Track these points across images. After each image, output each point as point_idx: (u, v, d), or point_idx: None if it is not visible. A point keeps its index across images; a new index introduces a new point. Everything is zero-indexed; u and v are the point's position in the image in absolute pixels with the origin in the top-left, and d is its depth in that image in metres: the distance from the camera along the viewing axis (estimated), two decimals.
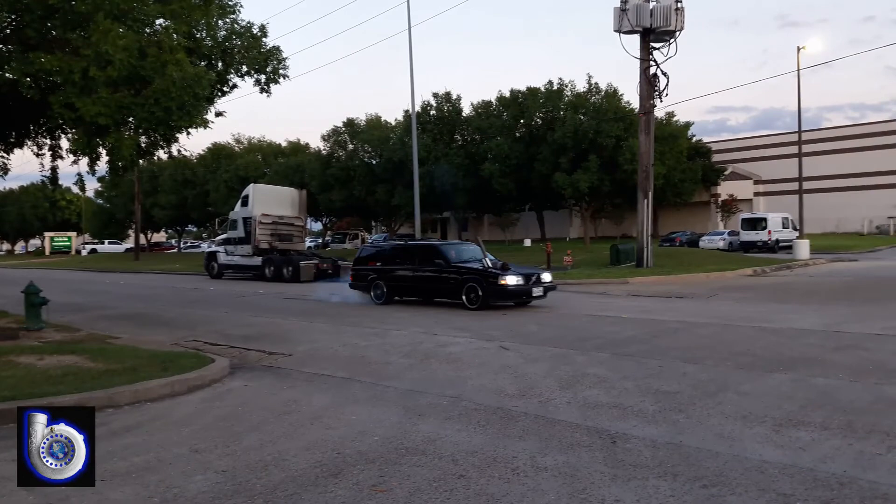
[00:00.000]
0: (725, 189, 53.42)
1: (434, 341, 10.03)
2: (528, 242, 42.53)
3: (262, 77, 14.46)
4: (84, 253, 69.43)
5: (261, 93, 14.70)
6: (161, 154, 13.99)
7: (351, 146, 47.99)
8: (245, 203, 27.75)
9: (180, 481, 4.36)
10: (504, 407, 6.02)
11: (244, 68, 14.20)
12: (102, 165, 12.27)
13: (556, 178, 38.53)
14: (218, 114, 14.23)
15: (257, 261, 26.90)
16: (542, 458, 4.62)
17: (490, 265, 14.52)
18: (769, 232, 38.54)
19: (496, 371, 7.69)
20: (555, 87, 41.76)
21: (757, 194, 56.97)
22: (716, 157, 53.48)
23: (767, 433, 5.07)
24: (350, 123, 48.20)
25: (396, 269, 16.00)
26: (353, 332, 11.18)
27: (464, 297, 14.30)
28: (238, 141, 60.76)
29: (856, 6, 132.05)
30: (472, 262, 15.16)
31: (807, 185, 35.95)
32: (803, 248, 29.50)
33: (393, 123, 47.78)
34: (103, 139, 11.36)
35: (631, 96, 40.34)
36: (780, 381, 6.85)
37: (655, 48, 22.76)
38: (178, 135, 12.94)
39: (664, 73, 22.68)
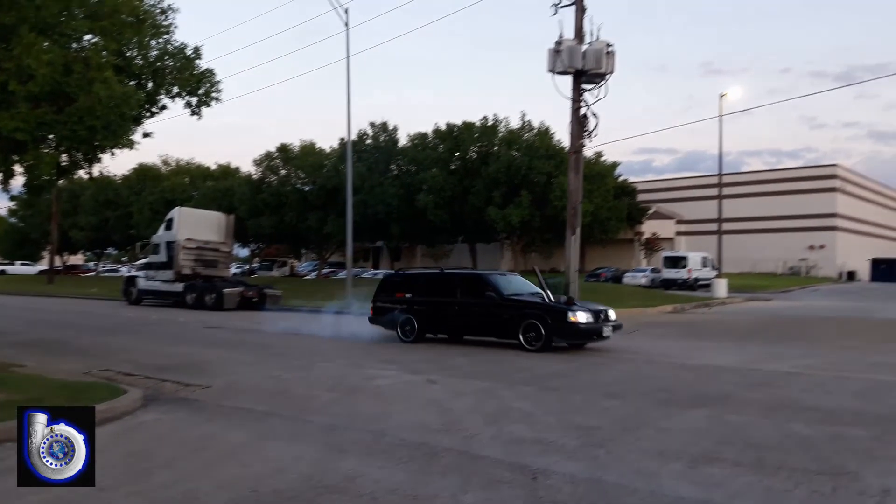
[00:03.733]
0: (649, 228, 55.39)
1: (361, 374, 9.88)
2: None
3: (194, 99, 14.18)
4: None
5: (191, 115, 14.41)
6: (82, 174, 13.49)
7: (284, 172, 47.39)
8: (169, 227, 26.88)
9: None
10: (428, 442, 5.96)
11: (175, 89, 13.91)
12: (18, 183, 11.72)
13: (489, 211, 39.07)
14: (146, 134, 13.84)
15: (179, 287, 26.01)
16: (464, 496, 4.57)
17: (552, 298, 12.77)
18: (689, 270, 40.10)
19: (422, 405, 7.63)
20: (490, 123, 42.57)
21: (679, 233, 59.28)
22: (641, 197, 55.47)
23: (683, 469, 5.19)
24: (284, 149, 47.63)
25: (432, 301, 13.87)
26: (277, 364, 10.89)
27: (521, 337, 12.35)
28: (165, 162, 59.11)
29: (774, 58, 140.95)
30: (527, 294, 13.35)
31: (726, 226, 37.69)
32: (721, 287, 30.78)
33: (328, 151, 47.51)
34: (21, 156, 10.85)
35: (562, 135, 41.56)
36: (696, 417, 7.06)
37: (586, 90, 23.48)
38: (101, 155, 12.51)
39: (594, 115, 23.33)
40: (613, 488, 4.74)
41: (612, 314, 13.00)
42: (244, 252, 61.51)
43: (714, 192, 40.25)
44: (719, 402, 7.81)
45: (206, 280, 26.18)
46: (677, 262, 41.36)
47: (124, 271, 50.98)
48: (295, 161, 46.66)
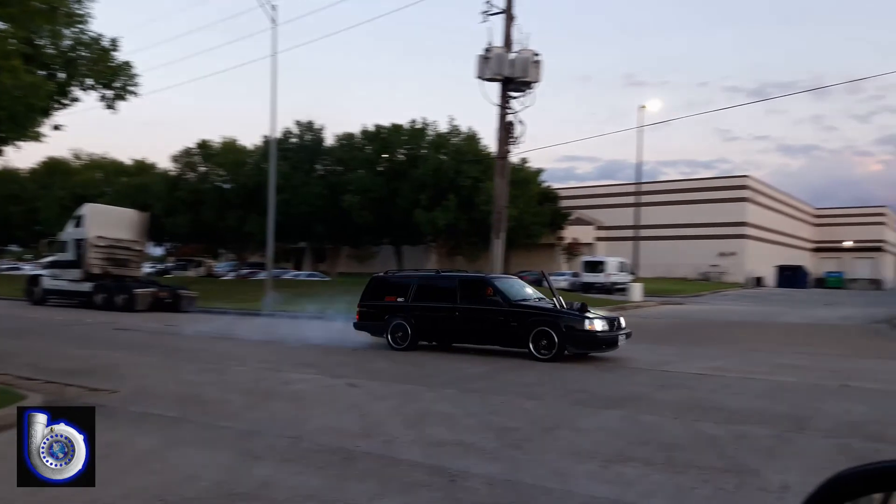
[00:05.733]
0: (570, 233, 56.74)
1: (278, 378, 9.65)
2: None
3: (110, 92, 13.61)
4: None
5: (106, 108, 13.83)
6: None
7: (203, 169, 45.99)
8: (79, 224, 25.58)
9: None
10: (346, 447, 5.86)
11: (89, 81, 13.29)
12: None
13: (416, 214, 39.14)
14: (55, 127, 13.18)
15: (87, 287, 24.78)
16: (381, 500, 4.52)
17: (564, 305, 12.05)
18: (607, 274, 41.28)
19: (342, 409, 7.51)
20: (418, 126, 42.64)
21: (598, 239, 60.99)
22: (563, 203, 56.71)
23: (597, 469, 5.30)
24: (204, 145, 46.26)
25: (429, 306, 12.88)
26: (190, 368, 10.51)
27: (531, 346, 11.59)
28: (77, 156, 56.32)
29: (692, 72, 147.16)
30: (533, 299, 12.69)
31: (642, 232, 39.06)
32: (637, 291, 31.83)
33: (251, 148, 46.41)
34: None
35: (489, 140, 42.06)
36: (610, 417, 7.24)
37: (514, 97, 23.86)
38: (5, 147, 11.82)
39: (521, 122, 23.76)
40: (529, 489, 4.79)
41: (623, 322, 12.24)
42: (159, 251, 59.31)
43: (632, 199, 41.62)
44: (633, 403, 8.04)
45: (117, 280, 25.08)
46: (596, 266, 42.52)
47: (28, 269, 48.08)
48: (215, 158, 45.44)
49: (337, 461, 5.45)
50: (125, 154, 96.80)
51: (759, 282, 60.26)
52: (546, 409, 7.66)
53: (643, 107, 34.93)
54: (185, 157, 46.57)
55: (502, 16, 21.92)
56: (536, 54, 23.22)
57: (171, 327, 17.41)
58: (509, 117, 23.73)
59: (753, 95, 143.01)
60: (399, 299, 13.27)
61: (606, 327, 11.63)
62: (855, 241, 73.09)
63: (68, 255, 25.61)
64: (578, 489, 4.79)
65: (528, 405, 7.80)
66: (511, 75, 23.08)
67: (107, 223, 25.88)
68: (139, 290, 23.88)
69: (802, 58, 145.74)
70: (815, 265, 71.11)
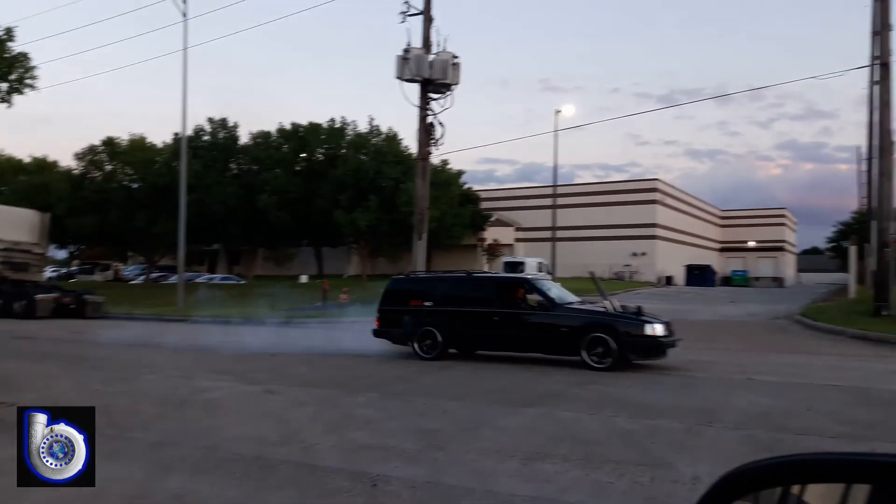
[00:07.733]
0: (491, 234, 57.49)
1: (192, 386, 9.30)
2: (304, 278, 41.96)
3: (4, 85, 12.76)
4: None
5: (0, 102, 12.92)
6: None
7: (109, 167, 43.85)
8: None
9: None
10: (264, 456, 5.70)
11: None
12: None
13: (336, 215, 38.62)
14: None
15: None
16: None
17: (619, 308, 11.16)
18: (526, 275, 42.09)
19: (259, 417, 7.32)
20: (337, 125, 42.12)
21: (518, 240, 62.05)
22: (483, 205, 57.42)
23: (517, 467, 5.37)
24: (110, 142, 44.05)
25: (461, 311, 11.81)
26: (96, 377, 9.99)
27: (584, 353, 10.56)
28: None
29: (605, 78, 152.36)
30: (577, 303, 11.83)
31: (559, 233, 39.96)
32: None
33: (160, 146, 44.59)
34: None
35: (410, 141, 42.01)
36: (530, 415, 7.36)
37: (433, 99, 23.95)
38: None
39: (441, 123, 23.89)
40: (451, 490, 4.80)
41: (672, 326, 11.37)
42: (62, 254, 56.20)
43: (549, 201, 42.57)
44: (551, 400, 8.21)
45: (16, 285, 23.65)
46: (516, 266, 43.20)
47: None
48: (122, 156, 43.42)
49: (254, 470, 5.30)
50: (23, 151, 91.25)
51: (669, 281, 62.70)
52: (467, 409, 7.71)
53: (559, 111, 35.84)
54: (89, 155, 44.25)
55: (421, 17, 21.99)
56: (455, 56, 23.39)
57: (76, 335, 16.52)
58: (429, 119, 23.80)
59: (662, 101, 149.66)
60: (426, 304, 12.19)
61: (666, 332, 10.76)
62: (758, 242, 77.31)
63: None
64: (499, 488, 4.84)
65: (449, 406, 7.83)
66: (430, 77, 23.17)
67: (3, 224, 24.42)
68: (40, 296, 22.63)
69: (708, 66, 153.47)
70: (721, 264, 74.69)
